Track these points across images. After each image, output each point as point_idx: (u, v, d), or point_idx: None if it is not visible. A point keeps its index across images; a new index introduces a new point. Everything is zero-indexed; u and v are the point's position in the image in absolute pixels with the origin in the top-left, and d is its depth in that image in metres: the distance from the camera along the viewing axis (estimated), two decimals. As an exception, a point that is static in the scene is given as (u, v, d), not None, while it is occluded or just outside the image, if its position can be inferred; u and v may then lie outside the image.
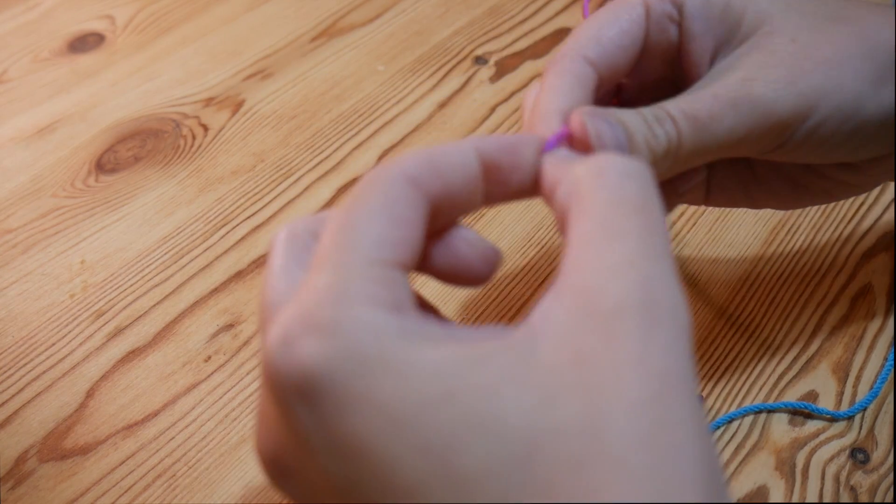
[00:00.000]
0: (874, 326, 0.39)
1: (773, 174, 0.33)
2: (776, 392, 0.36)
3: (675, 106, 0.27)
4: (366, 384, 0.18)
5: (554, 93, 0.27)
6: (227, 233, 0.43)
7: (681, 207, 0.44)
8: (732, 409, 0.36)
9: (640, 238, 0.20)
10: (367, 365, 0.18)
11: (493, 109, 0.50)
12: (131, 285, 0.40)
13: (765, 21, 0.29)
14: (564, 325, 0.19)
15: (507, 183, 0.24)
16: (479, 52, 0.54)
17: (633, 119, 0.26)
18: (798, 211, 0.44)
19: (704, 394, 0.36)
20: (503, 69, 0.53)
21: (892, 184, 0.45)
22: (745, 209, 0.43)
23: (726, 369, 0.37)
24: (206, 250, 0.42)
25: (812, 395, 0.36)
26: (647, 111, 0.27)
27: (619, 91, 0.32)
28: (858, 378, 0.37)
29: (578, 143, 0.26)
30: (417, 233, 0.21)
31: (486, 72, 0.52)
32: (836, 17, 0.29)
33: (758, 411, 0.36)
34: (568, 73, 0.28)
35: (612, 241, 0.20)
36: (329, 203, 0.44)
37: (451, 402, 0.18)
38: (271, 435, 0.21)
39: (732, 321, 0.39)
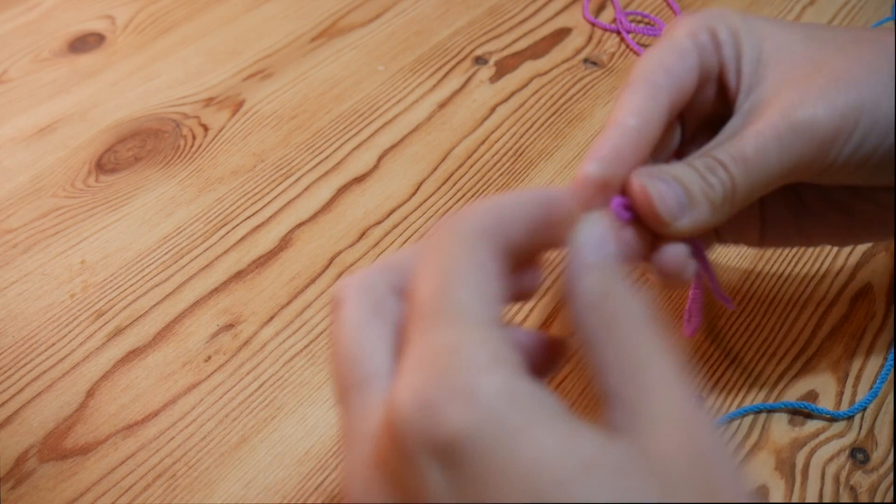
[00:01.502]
0: (874, 326, 0.39)
1: (823, 203, 0.33)
2: (776, 392, 0.36)
3: (723, 151, 0.28)
4: (507, 453, 0.19)
5: (629, 105, 0.28)
6: (227, 233, 0.43)
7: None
8: (733, 409, 0.36)
9: (651, 350, 0.21)
10: (509, 433, 0.19)
11: (493, 109, 0.50)
12: (131, 285, 0.40)
13: (785, 51, 0.29)
14: (642, 433, 0.20)
15: (558, 236, 0.24)
16: (479, 52, 0.54)
17: (687, 174, 0.28)
18: (798, 211, 0.44)
19: (704, 394, 0.36)
20: (503, 69, 0.53)
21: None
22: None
23: (726, 369, 0.37)
24: (206, 250, 0.42)
25: (812, 395, 0.36)
26: (699, 162, 0.28)
27: (682, 124, 0.33)
28: (858, 378, 0.37)
29: (640, 207, 0.27)
30: (503, 286, 0.22)
31: (486, 72, 0.52)
32: (858, 40, 0.29)
33: (758, 411, 0.36)
34: (641, 90, 0.29)
35: (633, 364, 0.21)
36: (329, 203, 0.44)
37: (588, 478, 0.19)
38: (377, 487, 0.22)
39: (732, 321, 0.39)
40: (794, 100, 0.28)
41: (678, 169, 0.28)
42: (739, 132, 0.28)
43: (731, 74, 0.30)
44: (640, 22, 0.57)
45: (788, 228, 0.34)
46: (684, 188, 0.28)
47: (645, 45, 0.55)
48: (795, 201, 0.33)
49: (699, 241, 0.30)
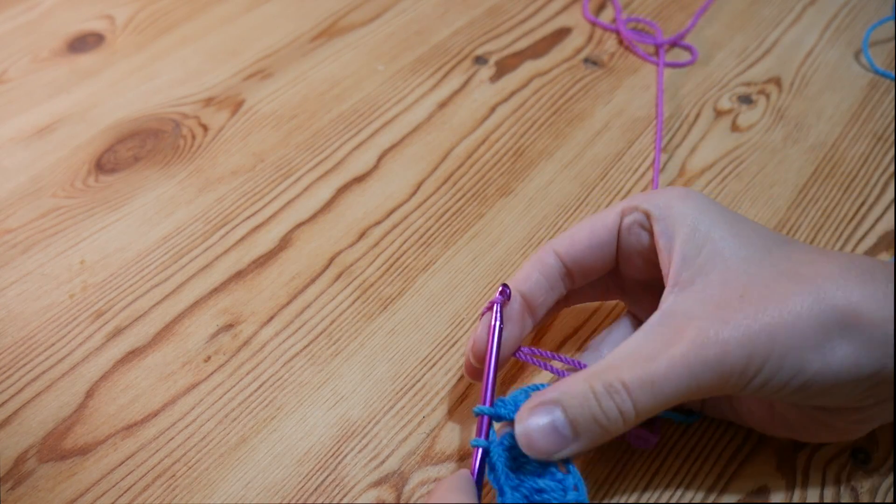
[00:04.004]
0: (875, 326, 0.39)
1: (751, 399, 0.33)
2: (777, 392, 0.36)
3: (631, 373, 0.28)
4: None
5: (520, 275, 0.34)
6: (227, 233, 0.43)
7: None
8: (733, 409, 0.36)
9: None
10: None
11: (493, 109, 0.50)
12: (131, 285, 0.40)
13: (720, 265, 0.30)
14: None
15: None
16: (479, 52, 0.54)
17: (580, 401, 0.28)
18: (798, 211, 0.44)
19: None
20: (503, 69, 0.53)
21: (892, 183, 0.45)
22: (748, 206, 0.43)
23: (727, 369, 0.37)
24: (206, 250, 0.42)
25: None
26: (600, 383, 0.28)
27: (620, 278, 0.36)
28: (859, 378, 0.37)
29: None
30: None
31: (486, 72, 0.52)
32: (793, 274, 0.29)
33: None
34: (538, 261, 0.34)
35: None
36: (329, 203, 0.44)
37: None
38: None
39: (733, 321, 0.39)
40: (710, 332, 0.28)
41: (574, 391, 0.28)
42: (651, 356, 0.29)
43: (663, 254, 0.32)
44: (640, 22, 0.57)
45: (723, 406, 0.35)
46: (570, 421, 0.28)
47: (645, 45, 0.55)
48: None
49: None
